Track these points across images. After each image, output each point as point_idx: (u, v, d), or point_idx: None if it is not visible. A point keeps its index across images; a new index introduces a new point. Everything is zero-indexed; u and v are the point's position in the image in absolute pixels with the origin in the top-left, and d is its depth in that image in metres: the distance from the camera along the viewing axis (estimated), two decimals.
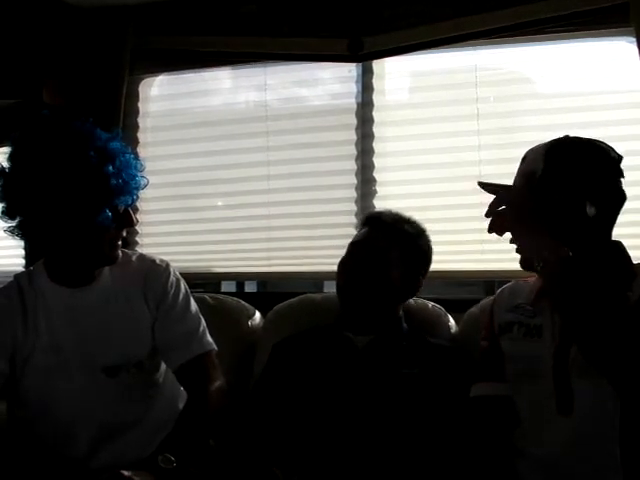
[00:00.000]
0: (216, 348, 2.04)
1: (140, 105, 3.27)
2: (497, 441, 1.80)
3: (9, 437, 2.08)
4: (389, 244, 2.13)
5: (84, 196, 1.80)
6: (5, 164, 1.86)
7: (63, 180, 1.79)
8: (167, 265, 2.08)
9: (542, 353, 1.74)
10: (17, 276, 2.05)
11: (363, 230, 2.21)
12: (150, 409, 2.05)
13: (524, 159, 1.76)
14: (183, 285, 2.08)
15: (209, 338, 2.04)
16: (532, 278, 1.92)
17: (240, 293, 3.49)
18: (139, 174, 1.95)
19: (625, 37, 2.56)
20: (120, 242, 1.99)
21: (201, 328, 2.04)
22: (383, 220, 2.21)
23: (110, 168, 1.83)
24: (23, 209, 1.84)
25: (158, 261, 2.08)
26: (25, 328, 1.95)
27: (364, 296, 2.10)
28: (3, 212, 1.86)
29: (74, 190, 1.79)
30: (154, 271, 2.05)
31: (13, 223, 1.87)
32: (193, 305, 2.07)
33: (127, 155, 1.92)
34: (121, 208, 1.91)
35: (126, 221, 1.95)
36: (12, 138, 1.89)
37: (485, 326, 1.95)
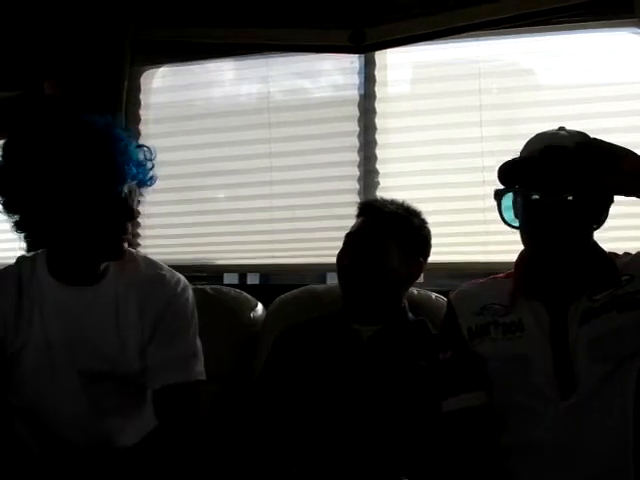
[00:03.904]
0: (204, 378, 1.91)
1: (142, 97, 3.26)
2: (480, 449, 1.76)
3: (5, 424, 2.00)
4: (384, 231, 2.12)
5: (65, 186, 1.73)
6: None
7: (44, 170, 1.72)
8: (177, 280, 1.95)
9: (529, 345, 1.73)
10: (19, 261, 1.96)
11: (358, 220, 2.21)
12: (129, 425, 1.94)
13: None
14: (189, 304, 1.95)
15: (200, 367, 1.90)
16: (484, 279, 1.93)
17: (242, 285, 3.49)
18: (136, 164, 1.84)
19: (630, 28, 2.56)
20: (125, 236, 1.87)
21: (194, 355, 1.91)
22: (376, 207, 2.20)
23: (90, 156, 1.74)
24: (18, 203, 1.78)
25: (167, 274, 1.95)
26: (18, 320, 1.88)
27: (365, 287, 2.09)
28: (3, 207, 1.80)
29: (54, 179, 1.72)
30: (159, 285, 1.92)
31: (14, 218, 1.81)
32: (193, 328, 1.94)
33: (120, 140, 1.81)
34: (124, 194, 1.82)
35: (127, 213, 1.85)
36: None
37: (448, 334, 1.89)
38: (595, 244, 1.81)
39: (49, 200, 1.74)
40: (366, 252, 2.10)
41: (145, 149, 1.89)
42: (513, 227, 1.75)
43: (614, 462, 1.65)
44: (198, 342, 1.94)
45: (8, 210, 1.80)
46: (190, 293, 1.97)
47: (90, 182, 1.75)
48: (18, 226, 1.82)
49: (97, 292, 1.90)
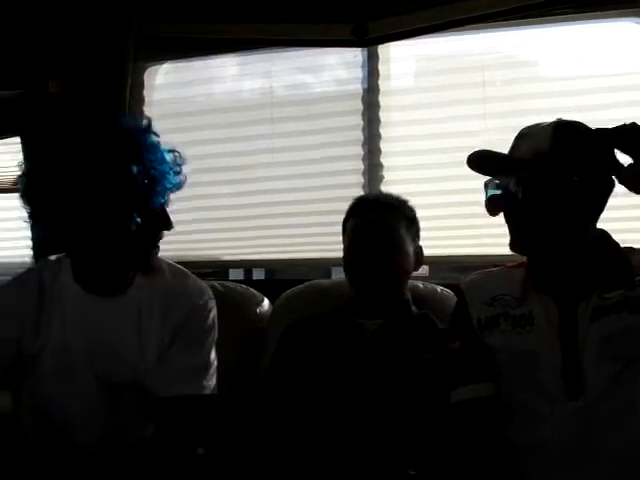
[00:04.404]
0: (212, 393, 1.89)
1: (145, 93, 3.26)
2: (490, 442, 1.76)
3: (16, 424, 1.99)
4: (396, 221, 2.13)
5: (105, 199, 1.69)
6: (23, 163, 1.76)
7: (82, 182, 1.67)
8: (201, 291, 1.94)
9: (539, 341, 1.71)
10: (41, 265, 1.94)
11: (363, 217, 2.19)
12: (140, 435, 1.89)
13: (524, 136, 1.73)
14: (210, 316, 1.93)
15: (210, 382, 1.89)
16: (496, 269, 1.93)
17: (248, 280, 3.49)
18: (175, 171, 1.82)
19: (632, 18, 2.55)
20: (157, 247, 1.87)
21: (205, 369, 1.89)
22: (380, 201, 2.21)
23: (134, 168, 1.70)
24: (45, 214, 1.73)
25: (192, 284, 1.95)
26: (37, 325, 1.85)
27: (384, 280, 2.09)
28: (29, 217, 1.76)
29: (93, 192, 1.67)
30: (182, 295, 1.91)
31: (41, 229, 1.77)
32: (210, 341, 1.92)
33: (157, 150, 1.78)
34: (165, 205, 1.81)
35: (162, 224, 1.84)
36: (29, 135, 1.79)
37: (458, 324, 1.88)
38: (608, 237, 1.78)
39: (89, 215, 1.71)
40: (388, 244, 2.10)
41: (177, 154, 1.85)
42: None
43: (622, 464, 1.63)
44: (213, 356, 1.92)
45: (36, 220, 1.77)
46: (213, 305, 1.95)
47: (134, 196, 1.72)
48: (45, 237, 1.79)
49: (121, 301, 1.88)
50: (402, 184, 2.84)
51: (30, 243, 3.14)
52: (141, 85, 3.25)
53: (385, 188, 2.88)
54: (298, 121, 3.09)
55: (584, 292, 1.71)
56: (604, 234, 1.78)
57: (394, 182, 2.90)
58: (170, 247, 3.04)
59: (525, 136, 1.72)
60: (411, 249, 2.15)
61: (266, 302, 2.66)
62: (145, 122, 1.82)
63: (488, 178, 1.78)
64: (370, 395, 1.96)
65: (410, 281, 2.24)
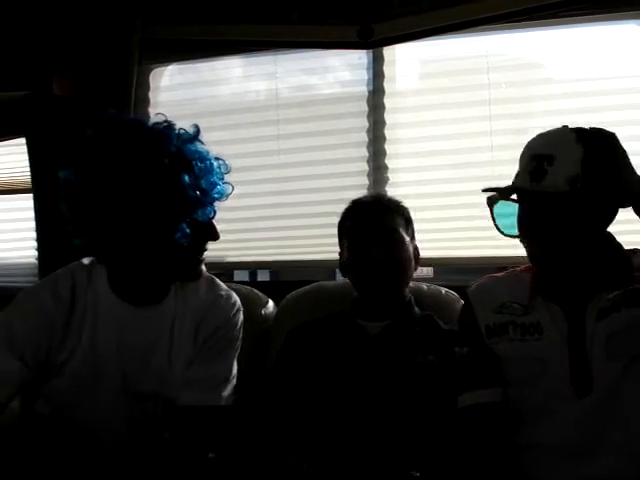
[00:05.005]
0: (230, 404, 1.88)
1: (151, 95, 3.27)
2: (494, 446, 1.76)
3: (26, 431, 1.98)
4: (393, 223, 2.13)
5: (156, 211, 1.67)
6: (67, 171, 1.72)
7: (131, 193, 1.66)
8: (232, 304, 1.94)
9: (547, 348, 1.72)
10: (73, 269, 1.88)
11: (362, 218, 2.16)
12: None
13: (551, 159, 1.65)
14: (237, 329, 1.94)
15: (228, 393, 1.88)
16: (503, 273, 1.93)
17: (253, 282, 3.49)
18: (222, 181, 1.80)
19: (636, 20, 2.55)
20: (203, 257, 1.86)
21: (226, 380, 1.88)
22: (379, 203, 2.20)
23: (186, 178, 1.69)
24: (91, 224, 1.71)
25: (224, 297, 1.94)
26: (67, 331, 1.81)
27: (388, 281, 2.09)
28: (71, 229, 1.73)
29: (145, 205, 1.66)
30: (214, 309, 1.91)
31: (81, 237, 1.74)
32: (234, 352, 1.93)
33: (207, 160, 1.77)
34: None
35: (208, 235, 1.83)
36: (78, 142, 1.72)
37: (466, 329, 1.88)
38: (612, 239, 1.78)
39: (137, 226, 1.70)
40: (391, 245, 2.09)
41: (222, 162, 1.84)
42: (508, 236, 1.75)
43: (632, 460, 1.64)
44: (235, 368, 1.93)
45: (78, 229, 1.74)
46: (241, 317, 1.96)
47: (184, 207, 1.71)
48: (87, 248, 1.78)
49: (156, 312, 1.87)
50: (407, 186, 2.84)
51: (35, 244, 3.16)
52: (146, 87, 3.26)
53: (390, 190, 2.88)
54: (303, 123, 3.10)
55: (590, 295, 1.71)
56: (608, 236, 1.78)
57: (399, 184, 2.91)
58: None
59: (552, 160, 1.64)
60: (410, 249, 2.15)
61: (271, 303, 2.65)
62: (194, 130, 1.82)
63: (492, 194, 1.77)
64: (374, 397, 1.96)
65: (414, 283, 2.24)
